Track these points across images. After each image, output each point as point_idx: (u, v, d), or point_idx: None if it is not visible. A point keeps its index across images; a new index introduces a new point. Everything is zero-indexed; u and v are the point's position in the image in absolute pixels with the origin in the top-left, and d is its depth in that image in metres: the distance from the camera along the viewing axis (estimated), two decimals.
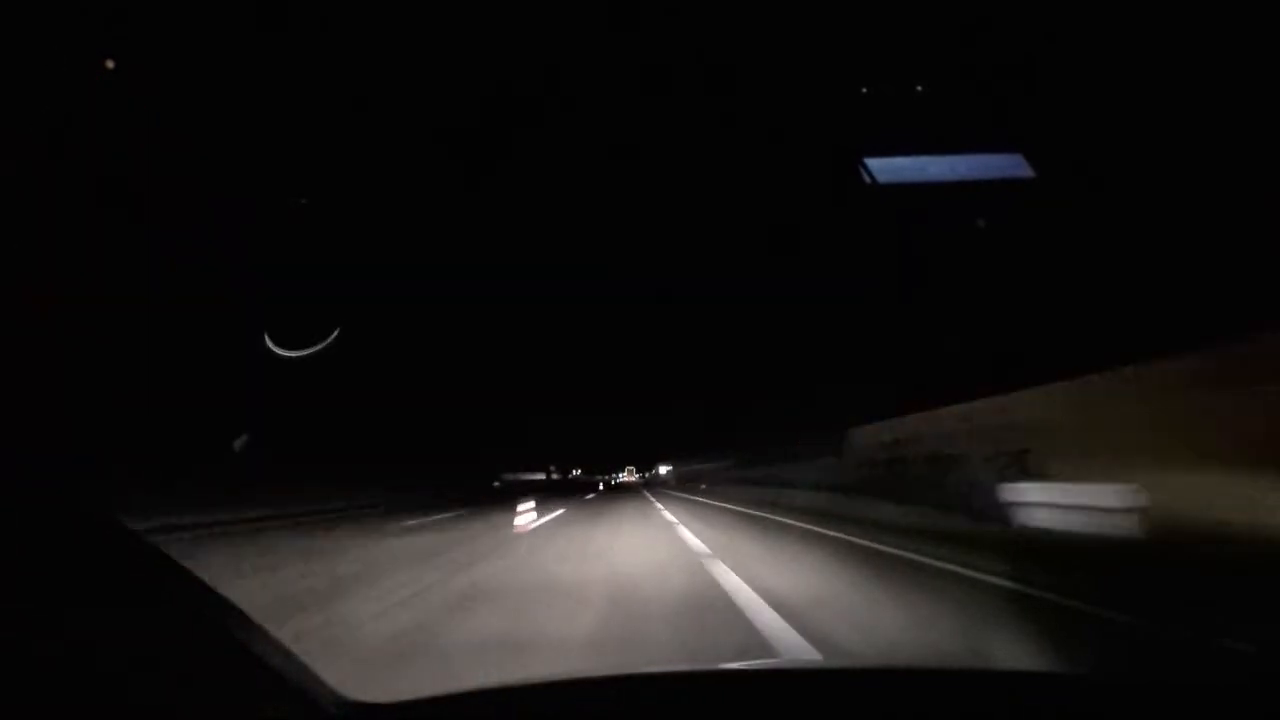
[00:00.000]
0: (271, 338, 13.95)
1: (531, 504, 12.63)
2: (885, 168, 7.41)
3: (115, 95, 9.25)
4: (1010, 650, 2.94)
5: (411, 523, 11.84)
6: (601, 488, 44.37)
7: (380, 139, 14.43)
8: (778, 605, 3.93)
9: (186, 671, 0.72)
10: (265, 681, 0.77)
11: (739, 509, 14.76)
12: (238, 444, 12.79)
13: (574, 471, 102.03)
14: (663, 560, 6.16)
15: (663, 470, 71.63)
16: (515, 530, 9.93)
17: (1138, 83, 7.18)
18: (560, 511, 15.16)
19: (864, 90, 9.72)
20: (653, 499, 22.93)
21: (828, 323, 17.52)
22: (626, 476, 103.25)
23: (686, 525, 10.25)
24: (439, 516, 13.52)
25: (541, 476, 64.71)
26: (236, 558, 7.10)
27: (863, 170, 7.30)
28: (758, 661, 2.40)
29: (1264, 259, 5.53)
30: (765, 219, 16.76)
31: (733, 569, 5.40)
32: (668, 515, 12.97)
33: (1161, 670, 2.60)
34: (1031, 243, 8.72)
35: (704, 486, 31.90)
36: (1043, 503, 6.56)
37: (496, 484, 45.91)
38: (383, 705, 0.95)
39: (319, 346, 13.85)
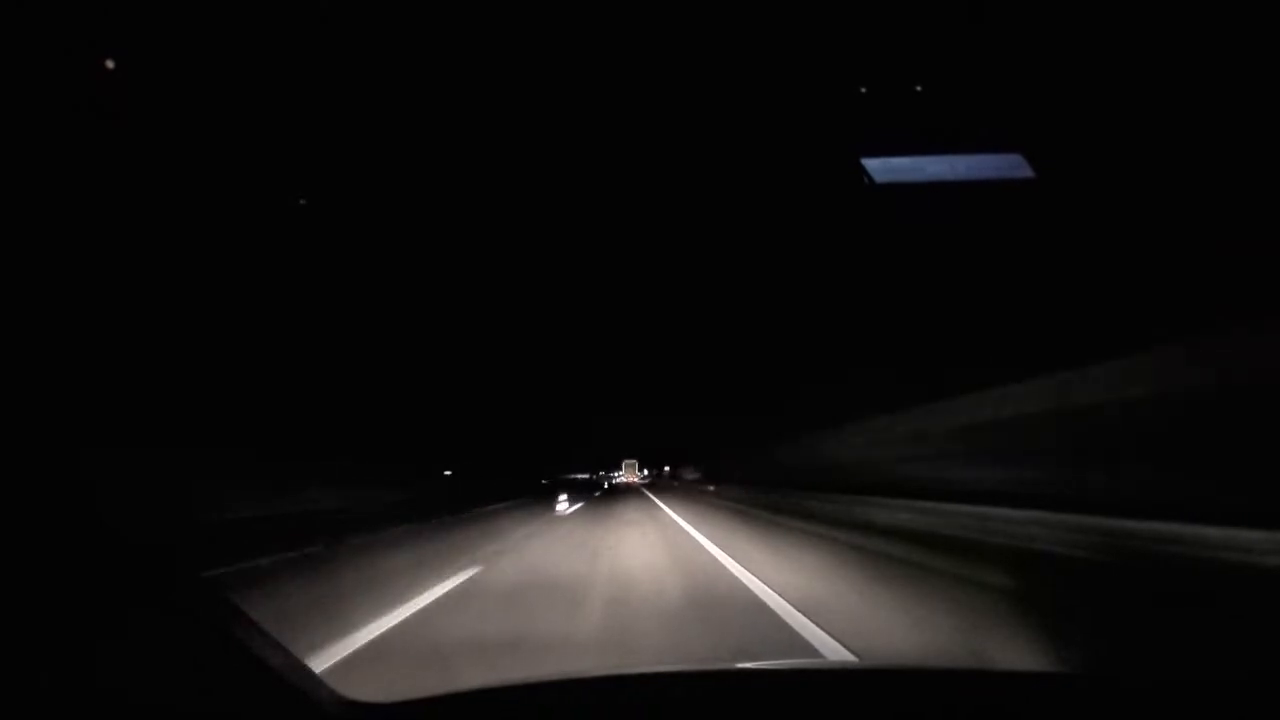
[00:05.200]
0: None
1: None
2: (884, 168, 7.41)
3: (115, 94, 9.25)
4: None
5: None
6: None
7: (379, 140, 14.43)
8: None
9: (186, 671, 0.72)
10: (265, 681, 0.77)
11: None
12: None
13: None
14: None
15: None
16: None
17: (1138, 82, 7.19)
18: None
19: (862, 90, 9.72)
20: None
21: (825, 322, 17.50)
22: (627, 476, 77.36)
23: None
24: None
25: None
26: None
27: (861, 170, 7.30)
28: (757, 663, 2.40)
29: (1262, 256, 5.54)
30: (762, 220, 16.77)
31: None
32: None
33: (1161, 670, 2.60)
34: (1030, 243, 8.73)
35: None
36: None
37: None
38: (383, 705, 0.96)
39: None
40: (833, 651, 3.23)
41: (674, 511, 15.07)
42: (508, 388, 39.43)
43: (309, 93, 12.09)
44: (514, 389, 41.01)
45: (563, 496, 22.67)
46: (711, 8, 10.58)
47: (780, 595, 4.52)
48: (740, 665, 1.86)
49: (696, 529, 10.35)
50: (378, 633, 3.78)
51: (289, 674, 0.81)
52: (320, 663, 3.15)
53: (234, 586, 5.36)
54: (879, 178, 7.30)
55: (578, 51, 11.93)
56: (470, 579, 5.59)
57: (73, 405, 8.68)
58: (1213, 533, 3.78)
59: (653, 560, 6.75)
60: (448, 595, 4.90)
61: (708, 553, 7.36)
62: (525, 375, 42.89)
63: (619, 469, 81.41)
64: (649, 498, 24.26)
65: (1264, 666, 2.44)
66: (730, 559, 6.52)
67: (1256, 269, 5.43)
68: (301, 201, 13.97)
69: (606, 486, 51.59)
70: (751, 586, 5.05)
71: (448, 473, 24.91)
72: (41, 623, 0.63)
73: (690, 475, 45.47)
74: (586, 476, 76.09)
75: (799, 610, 4.10)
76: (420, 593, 4.90)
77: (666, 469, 76.63)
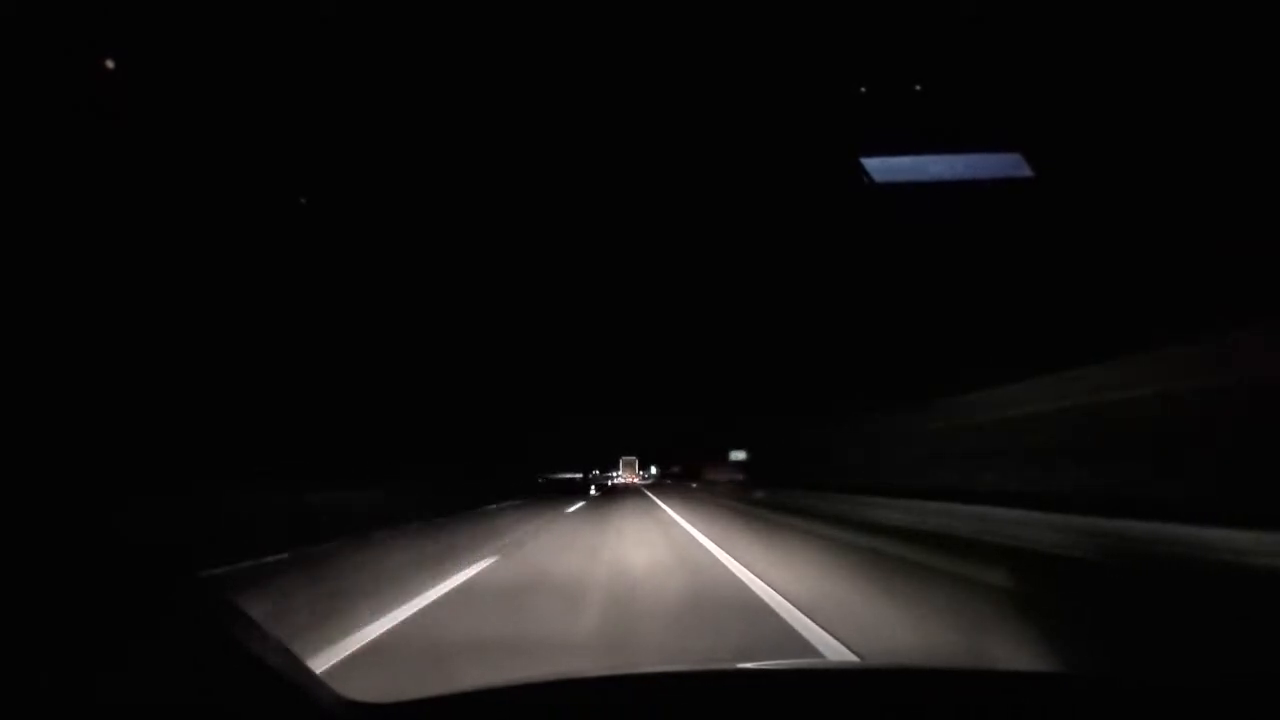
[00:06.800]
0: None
1: None
2: (883, 168, 7.41)
3: (115, 95, 9.25)
4: None
5: None
6: None
7: (381, 139, 14.44)
8: None
9: (186, 671, 0.72)
10: (265, 681, 0.77)
11: None
12: None
13: None
14: None
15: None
16: None
17: (1138, 82, 7.19)
18: None
19: (862, 90, 9.71)
20: None
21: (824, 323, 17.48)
22: (625, 475, 73.30)
23: None
24: None
25: None
26: None
27: (861, 170, 7.30)
28: (757, 663, 2.40)
29: (1262, 256, 5.54)
30: (761, 220, 16.76)
31: None
32: None
33: (1160, 670, 2.60)
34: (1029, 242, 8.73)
35: None
36: None
37: None
38: (383, 705, 0.95)
39: None
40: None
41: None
42: (499, 384, 36.81)
43: (309, 93, 12.09)
44: (505, 385, 38.34)
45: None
46: (711, 8, 10.58)
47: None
48: (741, 665, 1.86)
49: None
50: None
51: (289, 674, 0.81)
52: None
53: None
54: (879, 178, 7.29)
55: (576, 51, 11.93)
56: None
57: (70, 407, 8.67)
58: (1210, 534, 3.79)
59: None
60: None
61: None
62: (518, 371, 40.31)
63: (617, 468, 76.76)
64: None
65: (1263, 667, 2.43)
66: None
67: (1256, 269, 5.43)
68: (302, 200, 13.99)
69: (609, 486, 43.43)
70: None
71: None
72: (41, 623, 0.63)
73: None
74: (580, 476, 65.11)
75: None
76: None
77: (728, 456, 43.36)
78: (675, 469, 65.58)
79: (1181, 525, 4.24)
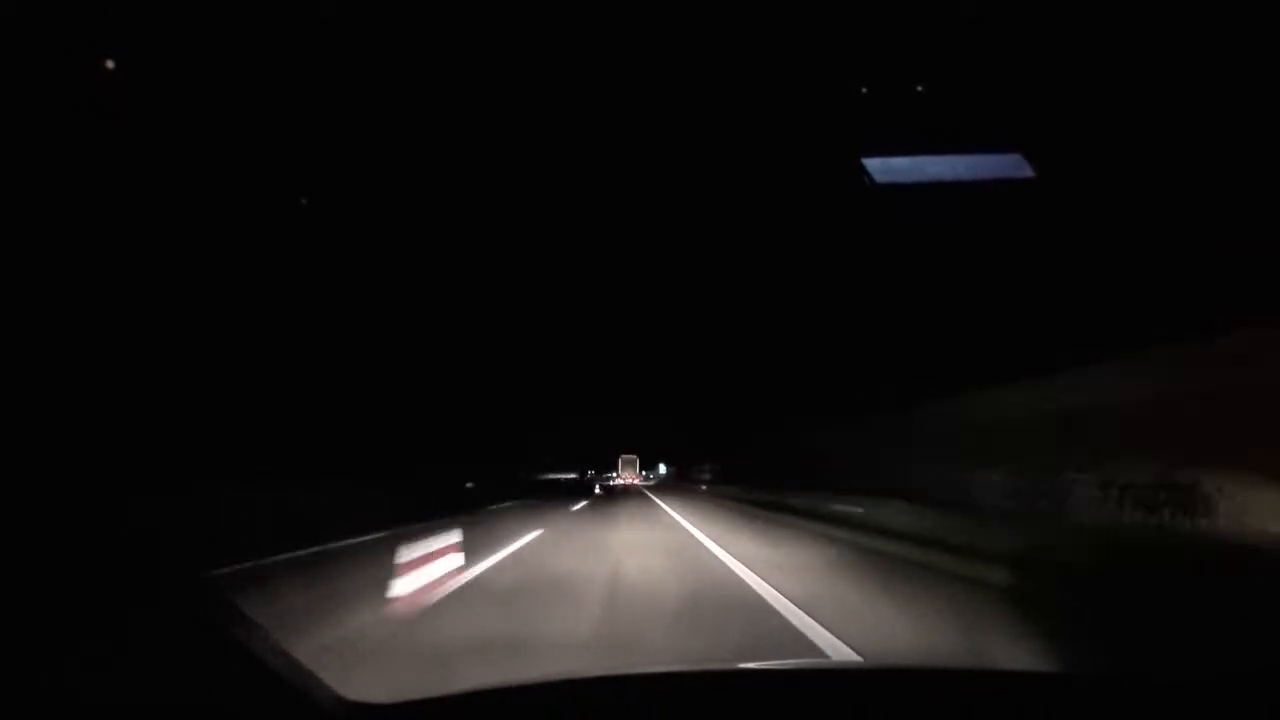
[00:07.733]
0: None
1: None
2: (884, 168, 7.41)
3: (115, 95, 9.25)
4: None
5: None
6: None
7: (381, 139, 14.44)
8: None
9: (186, 671, 0.72)
10: (265, 681, 0.77)
11: None
12: None
13: None
14: None
15: None
16: None
17: (1139, 82, 7.19)
18: None
19: (863, 90, 9.71)
20: None
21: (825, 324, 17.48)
22: (625, 476, 66.89)
23: None
24: None
25: None
26: None
27: (861, 170, 7.30)
28: (759, 663, 2.39)
29: (1262, 256, 5.54)
30: (761, 220, 16.77)
31: None
32: None
33: (1160, 669, 2.60)
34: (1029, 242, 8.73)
35: None
36: None
37: None
38: (383, 705, 0.95)
39: None
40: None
41: None
42: (497, 382, 34.86)
43: (309, 93, 12.09)
44: (504, 384, 36.33)
45: None
46: (711, 8, 10.57)
47: None
48: (742, 665, 1.86)
49: None
50: None
51: (289, 674, 0.81)
52: None
53: None
54: (879, 178, 7.29)
55: (577, 52, 11.93)
56: None
57: (72, 408, 8.68)
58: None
59: None
60: None
61: None
62: (518, 369, 38.02)
63: (616, 468, 70.74)
64: None
65: (1263, 665, 2.43)
66: None
67: (1257, 269, 5.43)
68: (303, 201, 14.00)
69: (595, 491, 37.19)
70: None
71: None
72: (42, 623, 0.63)
73: None
74: (575, 476, 59.77)
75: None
76: None
77: None
78: (706, 469, 44.57)
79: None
